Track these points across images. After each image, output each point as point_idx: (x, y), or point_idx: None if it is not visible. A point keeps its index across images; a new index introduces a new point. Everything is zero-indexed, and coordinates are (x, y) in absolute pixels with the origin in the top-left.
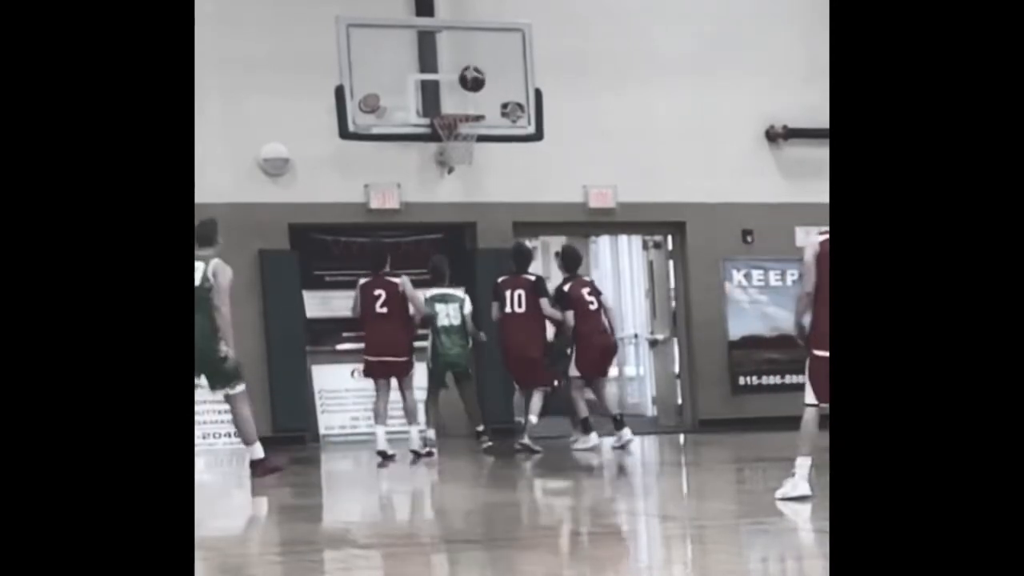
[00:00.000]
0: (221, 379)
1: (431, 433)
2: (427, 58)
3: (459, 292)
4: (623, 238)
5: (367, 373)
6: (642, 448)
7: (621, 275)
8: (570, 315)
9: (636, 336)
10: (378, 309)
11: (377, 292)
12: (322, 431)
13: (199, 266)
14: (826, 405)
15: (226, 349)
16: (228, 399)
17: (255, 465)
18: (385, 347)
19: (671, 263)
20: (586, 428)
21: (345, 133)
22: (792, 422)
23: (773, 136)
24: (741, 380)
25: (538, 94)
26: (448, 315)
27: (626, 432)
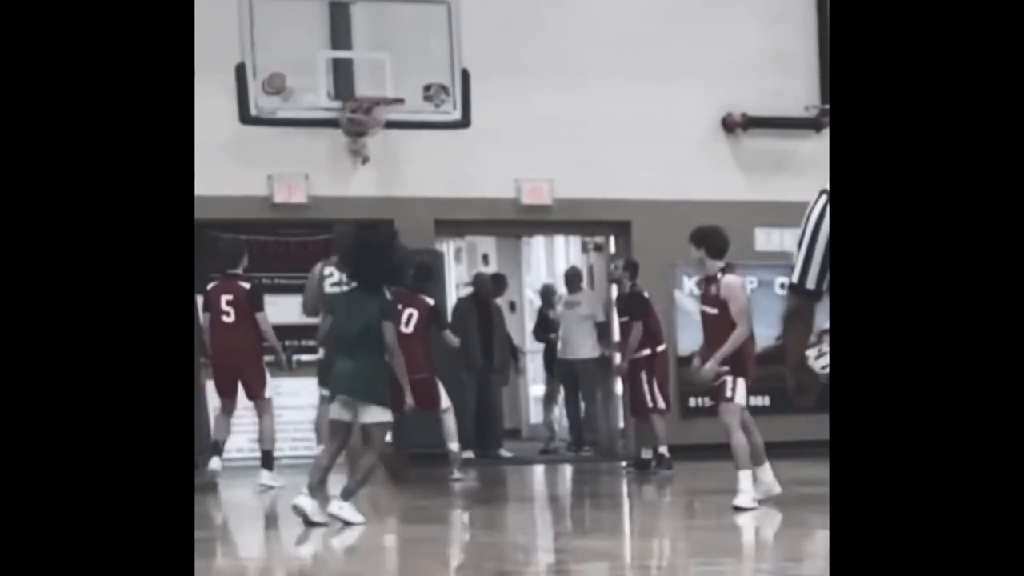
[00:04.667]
0: None
1: None
2: (340, 34)
3: None
4: (559, 239)
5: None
6: (575, 479)
7: (556, 280)
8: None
9: None
10: None
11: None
12: None
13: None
14: None
15: None
16: None
17: None
18: None
19: (611, 267)
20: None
21: (246, 117)
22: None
23: (731, 126)
24: (691, 401)
25: (465, 75)
26: None
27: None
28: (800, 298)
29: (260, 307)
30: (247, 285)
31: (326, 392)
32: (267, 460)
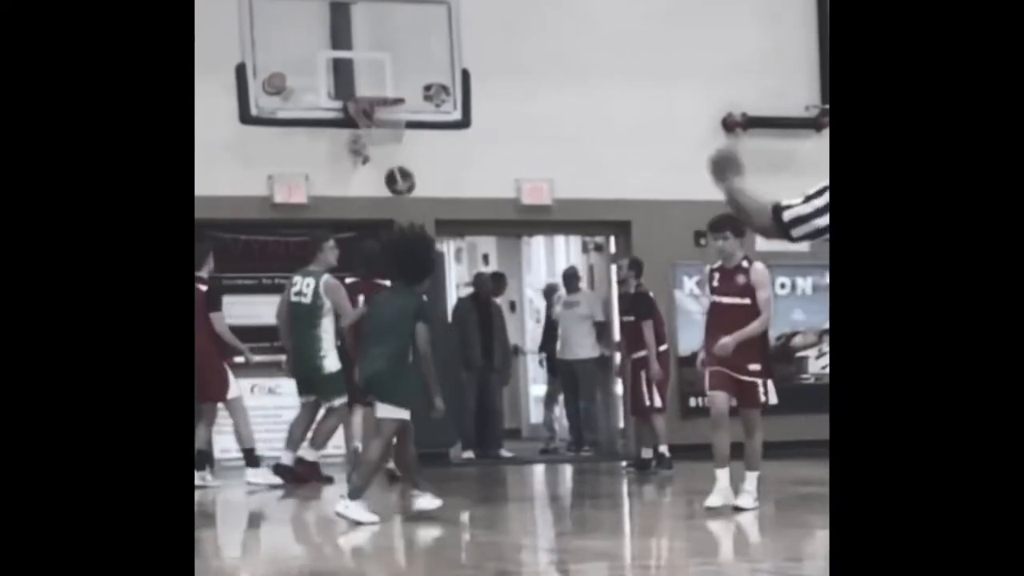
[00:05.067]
0: (325, 392)
1: None
2: (340, 34)
3: None
4: (559, 239)
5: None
6: (575, 479)
7: (557, 280)
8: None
9: None
10: None
11: None
12: (217, 454)
13: (309, 282)
14: None
15: (330, 363)
16: (329, 410)
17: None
18: None
19: (614, 268)
20: None
21: (247, 117)
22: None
23: (731, 125)
24: (692, 402)
25: (465, 75)
26: None
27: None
28: (774, 227)
29: (217, 307)
30: (204, 288)
31: (304, 400)
32: (250, 458)
